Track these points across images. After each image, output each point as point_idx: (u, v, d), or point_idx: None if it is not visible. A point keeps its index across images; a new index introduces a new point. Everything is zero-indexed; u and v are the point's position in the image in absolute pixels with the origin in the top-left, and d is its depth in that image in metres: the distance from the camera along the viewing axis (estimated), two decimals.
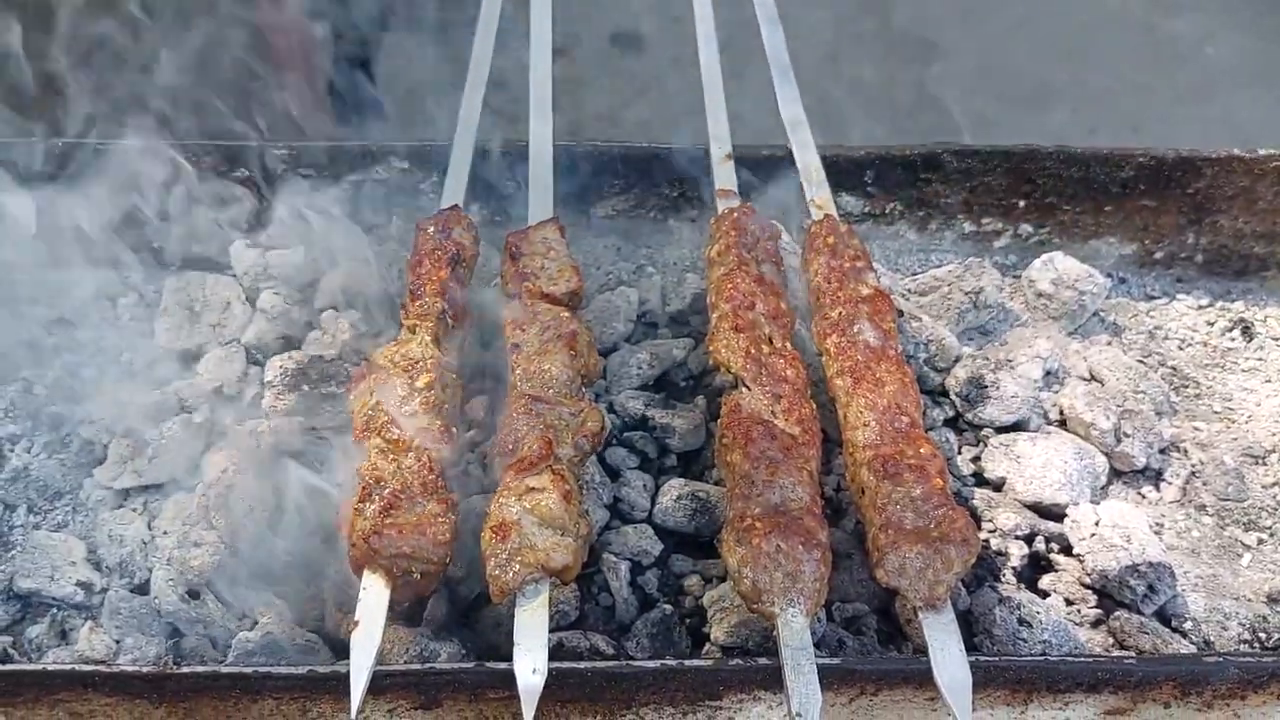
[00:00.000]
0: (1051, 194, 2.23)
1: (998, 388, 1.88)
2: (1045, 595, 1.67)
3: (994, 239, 2.28)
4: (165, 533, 1.67)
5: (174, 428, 1.79)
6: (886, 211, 2.26)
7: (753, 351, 1.65)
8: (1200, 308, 2.21)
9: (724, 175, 2.00)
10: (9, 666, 1.49)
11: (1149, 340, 2.13)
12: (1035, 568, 1.72)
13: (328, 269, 2.05)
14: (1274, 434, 1.95)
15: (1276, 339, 2.14)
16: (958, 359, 1.96)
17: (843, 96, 4.52)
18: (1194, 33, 5.05)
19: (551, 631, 1.43)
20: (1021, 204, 2.25)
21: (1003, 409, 1.87)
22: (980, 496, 1.78)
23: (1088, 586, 1.68)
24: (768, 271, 1.81)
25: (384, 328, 1.95)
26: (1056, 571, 1.70)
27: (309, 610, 1.60)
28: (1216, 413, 2.00)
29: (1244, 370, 2.09)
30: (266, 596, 1.60)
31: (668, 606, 1.60)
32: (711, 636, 1.56)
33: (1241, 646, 1.62)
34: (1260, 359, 2.11)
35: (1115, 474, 1.86)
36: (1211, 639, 1.63)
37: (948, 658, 1.35)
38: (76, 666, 1.42)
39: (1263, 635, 1.64)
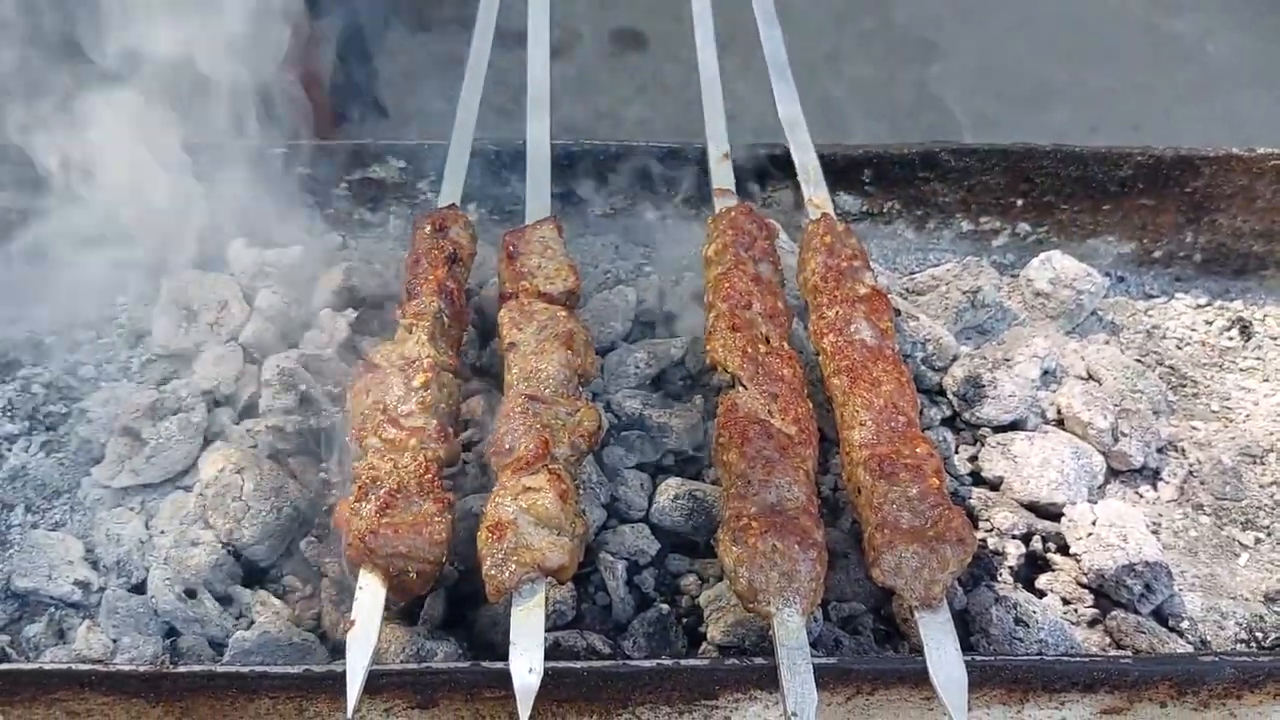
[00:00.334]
0: (1049, 193, 2.23)
1: (995, 387, 1.88)
2: (1042, 594, 1.67)
3: (992, 238, 2.28)
4: (163, 532, 1.68)
5: (171, 427, 1.79)
6: (884, 210, 2.27)
7: (749, 351, 1.65)
8: (1198, 307, 2.21)
9: (721, 174, 2.00)
10: (6, 665, 1.49)
11: (1147, 339, 2.13)
12: (1032, 567, 1.72)
13: (325, 268, 2.05)
14: (1271, 433, 1.95)
15: (1275, 338, 2.14)
16: (955, 358, 1.96)
17: (843, 96, 4.53)
18: (1194, 32, 5.06)
19: (548, 631, 1.43)
20: (1019, 203, 2.25)
21: (1000, 408, 1.87)
22: (977, 496, 1.78)
23: (1084, 586, 1.68)
24: (765, 271, 1.81)
25: (381, 327, 1.96)
26: (1053, 571, 1.70)
27: (305, 609, 1.61)
28: (1214, 412, 2.00)
29: (1242, 369, 2.09)
30: (263, 596, 1.61)
31: (664, 606, 1.60)
32: (708, 636, 1.56)
33: (1238, 646, 1.62)
34: (1258, 358, 2.11)
35: (1112, 473, 1.86)
36: (1208, 638, 1.63)
37: (944, 657, 1.35)
38: (74, 665, 1.42)
39: (1260, 635, 1.64)
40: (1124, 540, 1.67)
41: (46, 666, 1.43)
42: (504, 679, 1.32)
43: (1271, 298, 2.23)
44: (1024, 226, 2.27)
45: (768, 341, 1.69)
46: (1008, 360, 1.93)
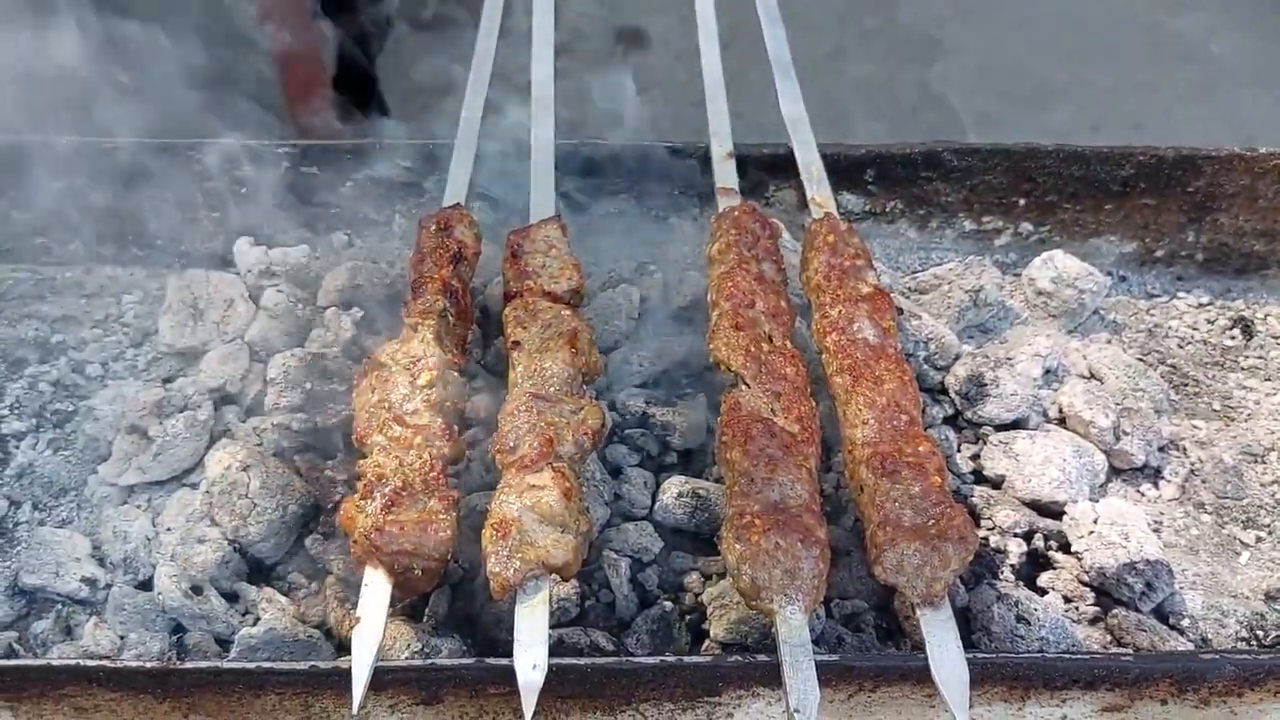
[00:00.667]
0: (1052, 192, 2.24)
1: (997, 386, 1.89)
2: (1043, 592, 1.68)
3: (994, 237, 2.28)
4: (169, 529, 1.68)
5: (178, 425, 1.80)
6: (887, 210, 2.27)
7: (752, 349, 1.65)
8: (1200, 306, 2.22)
9: (725, 173, 2.01)
10: (15, 662, 1.50)
11: (1149, 338, 2.13)
12: (1034, 565, 1.72)
13: (331, 267, 2.06)
14: (1273, 432, 1.95)
15: (1276, 337, 2.15)
16: (957, 357, 1.97)
17: (846, 95, 4.52)
18: (1196, 32, 5.05)
19: (552, 628, 1.44)
20: (1022, 202, 2.25)
21: (1002, 407, 1.88)
22: (979, 494, 1.79)
23: (1086, 584, 1.68)
24: (768, 270, 1.81)
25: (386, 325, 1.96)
26: (1055, 569, 1.71)
27: (311, 606, 1.61)
28: (1216, 411, 2.01)
29: (1244, 369, 2.10)
30: (269, 593, 1.61)
31: (668, 603, 1.61)
32: (711, 633, 1.57)
33: (1239, 644, 1.63)
34: (1260, 357, 2.11)
35: (1114, 472, 1.87)
36: (1209, 636, 1.64)
37: (946, 654, 1.35)
38: (81, 662, 1.42)
39: (1260, 633, 1.64)
40: (1125, 538, 1.68)
41: (54, 662, 1.44)
42: (508, 676, 1.32)
43: (1273, 297, 2.23)
44: (1026, 226, 2.27)
45: (770, 340, 1.69)
46: (1010, 359, 1.94)
